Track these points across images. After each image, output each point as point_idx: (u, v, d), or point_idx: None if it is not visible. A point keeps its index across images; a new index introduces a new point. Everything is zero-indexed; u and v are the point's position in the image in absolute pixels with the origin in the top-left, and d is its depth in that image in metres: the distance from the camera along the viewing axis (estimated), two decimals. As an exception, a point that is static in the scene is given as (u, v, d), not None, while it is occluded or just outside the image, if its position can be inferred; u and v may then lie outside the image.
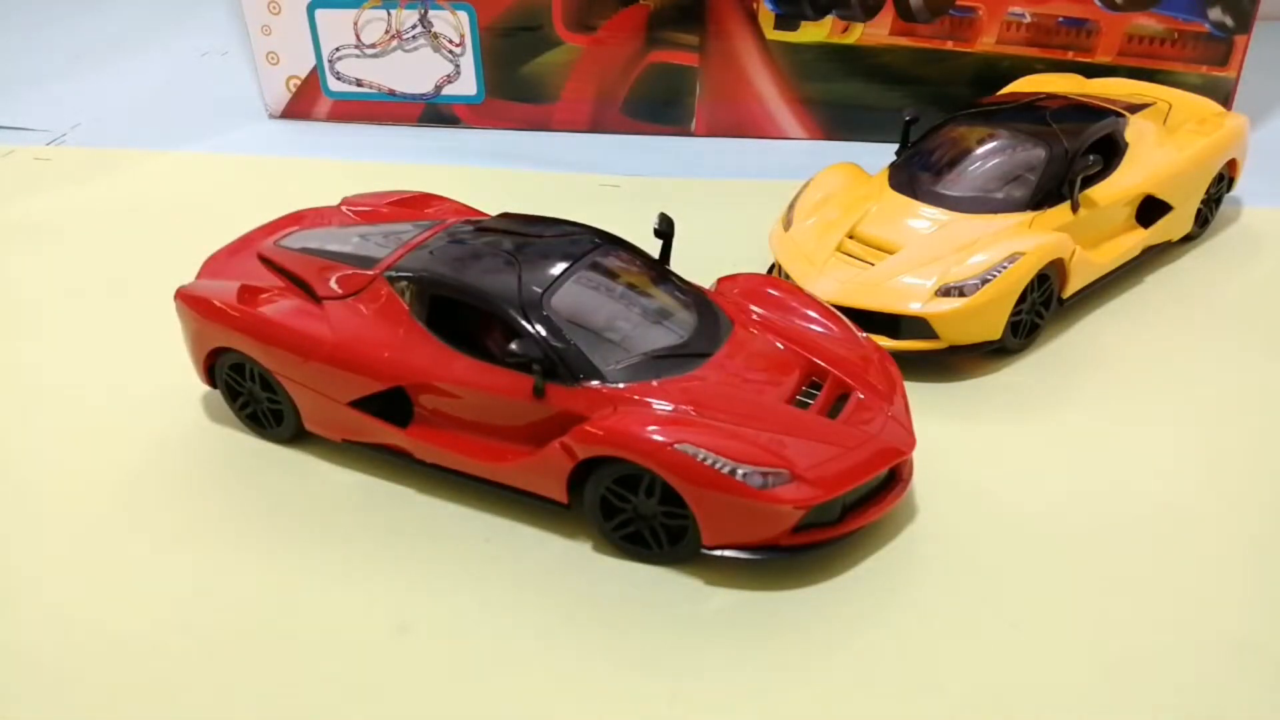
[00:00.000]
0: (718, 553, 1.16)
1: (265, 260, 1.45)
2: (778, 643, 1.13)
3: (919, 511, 1.28)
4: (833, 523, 1.17)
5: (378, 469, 1.36)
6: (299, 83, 2.35)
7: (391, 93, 2.33)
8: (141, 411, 1.48)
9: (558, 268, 1.26)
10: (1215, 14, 2.03)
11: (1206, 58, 2.08)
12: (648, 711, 1.06)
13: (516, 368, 1.21)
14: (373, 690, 1.09)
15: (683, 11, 2.17)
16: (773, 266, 1.66)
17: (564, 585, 1.20)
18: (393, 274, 1.32)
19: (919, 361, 1.50)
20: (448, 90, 2.31)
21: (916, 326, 1.47)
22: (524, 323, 1.21)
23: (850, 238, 1.57)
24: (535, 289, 1.23)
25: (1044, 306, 1.54)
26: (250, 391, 1.39)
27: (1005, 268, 1.45)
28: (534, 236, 1.33)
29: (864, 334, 1.35)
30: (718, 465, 1.12)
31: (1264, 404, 1.44)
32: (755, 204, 1.87)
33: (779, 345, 1.28)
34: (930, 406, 1.45)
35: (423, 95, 2.33)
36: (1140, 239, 1.66)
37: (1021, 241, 1.48)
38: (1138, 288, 1.69)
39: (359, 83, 2.33)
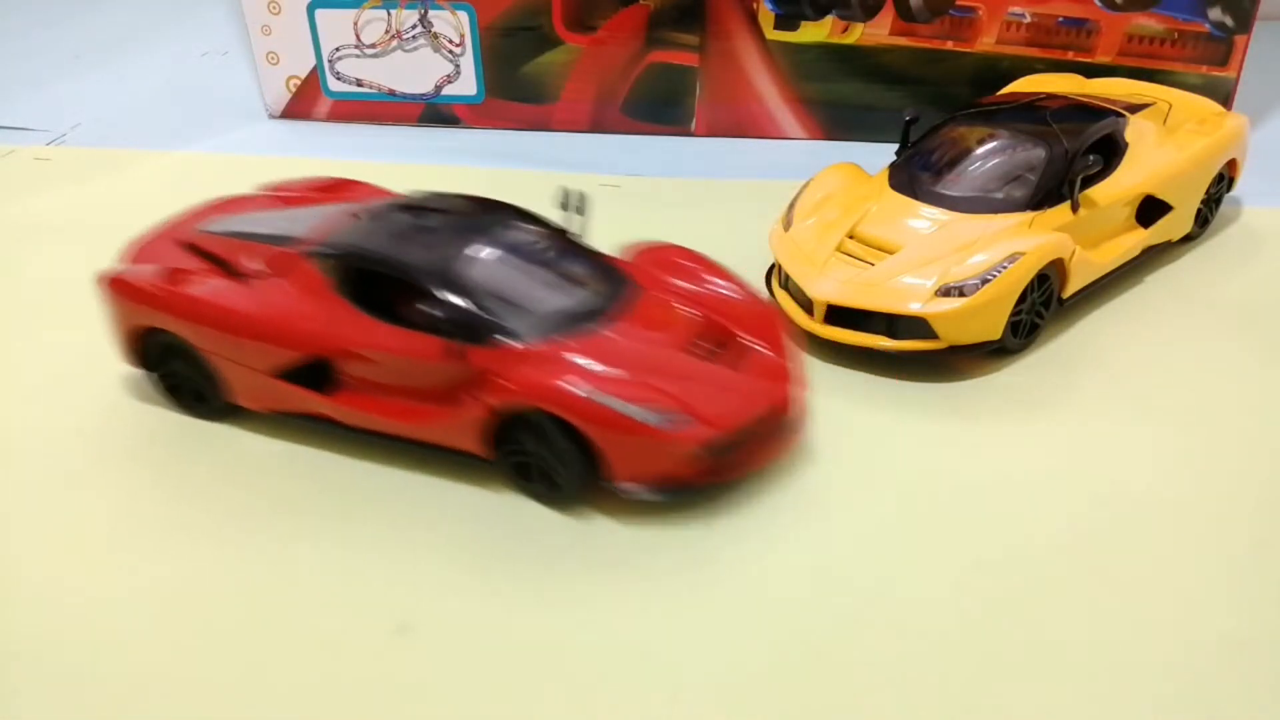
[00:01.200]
0: (630, 492, 1.24)
1: (190, 245, 1.49)
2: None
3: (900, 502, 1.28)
4: (733, 461, 1.26)
5: (376, 465, 1.37)
6: (299, 83, 2.36)
7: (391, 93, 2.33)
8: (141, 408, 1.48)
9: (470, 237, 1.34)
10: (1215, 14, 2.03)
11: (1206, 58, 2.08)
12: (647, 711, 1.06)
13: (433, 332, 1.28)
14: (373, 690, 1.09)
15: (683, 11, 2.17)
16: (773, 266, 1.67)
17: (564, 585, 1.20)
18: (313, 251, 1.38)
19: (919, 361, 1.50)
20: (448, 90, 2.31)
21: (916, 326, 1.47)
22: (439, 290, 1.28)
23: (850, 238, 1.57)
24: (448, 258, 1.31)
25: (1044, 306, 1.54)
26: (178, 369, 1.43)
27: (1005, 268, 1.45)
28: (446, 210, 1.41)
29: (761, 295, 1.43)
30: (625, 410, 1.20)
31: (1264, 404, 1.44)
32: (755, 204, 1.87)
33: (681, 305, 1.37)
34: (930, 406, 1.45)
35: (423, 95, 2.33)
36: (1140, 239, 1.66)
37: (1021, 241, 1.48)
38: (1138, 288, 1.69)
39: (359, 83, 2.33)
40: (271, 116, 2.41)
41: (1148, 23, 2.06)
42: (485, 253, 1.33)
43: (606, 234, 1.57)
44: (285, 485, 1.35)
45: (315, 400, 1.35)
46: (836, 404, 1.46)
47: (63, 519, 1.31)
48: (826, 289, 1.51)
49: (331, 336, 1.33)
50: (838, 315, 1.51)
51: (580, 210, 1.45)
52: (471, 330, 1.27)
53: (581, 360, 1.25)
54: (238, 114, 2.43)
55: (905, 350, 1.48)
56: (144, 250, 1.52)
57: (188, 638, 1.15)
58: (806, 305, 1.54)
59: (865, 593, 1.18)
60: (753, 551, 1.24)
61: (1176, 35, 2.06)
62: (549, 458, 1.26)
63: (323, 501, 1.33)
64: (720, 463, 1.26)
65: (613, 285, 1.37)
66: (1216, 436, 1.38)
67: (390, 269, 1.32)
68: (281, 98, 2.39)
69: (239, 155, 2.24)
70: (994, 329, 1.48)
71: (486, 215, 1.40)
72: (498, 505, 1.31)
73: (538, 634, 1.15)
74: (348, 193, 1.65)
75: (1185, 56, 2.08)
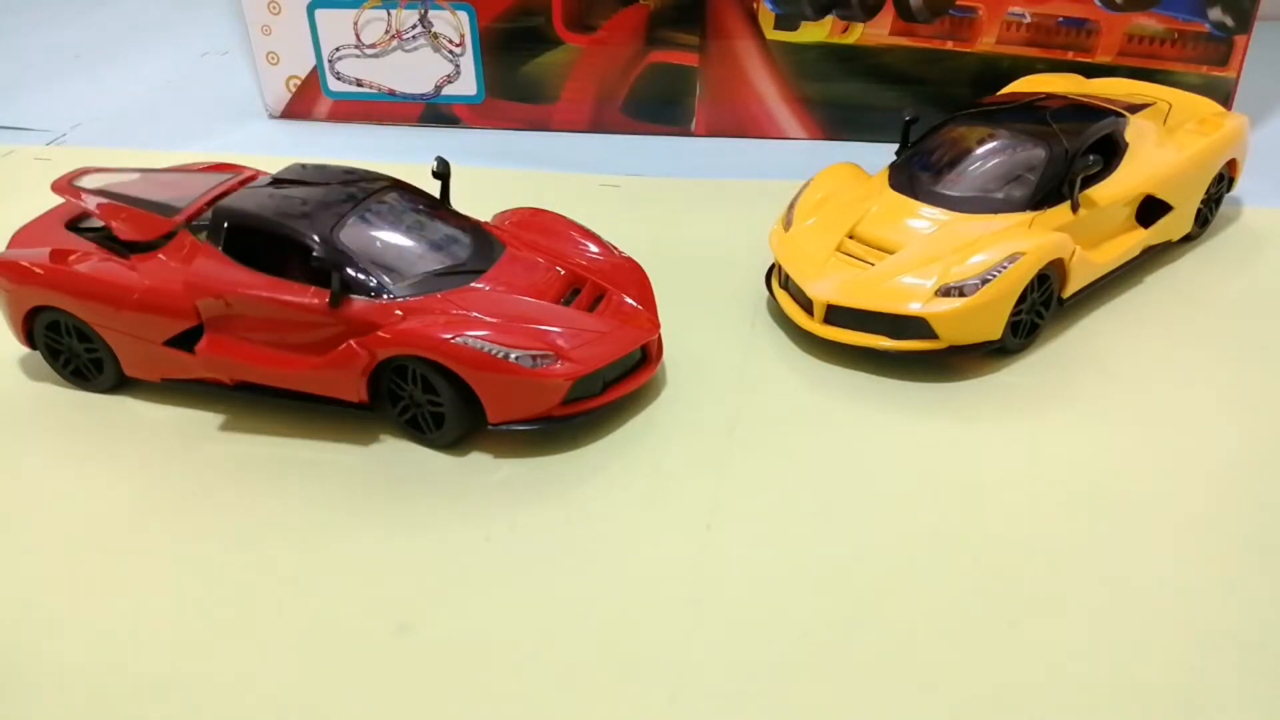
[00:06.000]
0: (503, 428, 1.35)
1: (71, 224, 1.57)
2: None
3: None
4: (596, 394, 1.39)
5: (369, 462, 1.37)
6: (299, 83, 2.36)
7: (391, 93, 2.33)
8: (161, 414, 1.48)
9: (348, 205, 1.44)
10: (1215, 14, 2.03)
11: (1206, 58, 2.08)
12: (647, 711, 1.06)
13: (317, 284, 1.36)
14: (372, 690, 1.09)
15: (683, 11, 2.17)
16: (773, 266, 1.67)
17: (563, 586, 1.20)
18: (197, 223, 1.47)
19: (919, 361, 1.50)
20: (448, 90, 2.31)
21: (916, 326, 1.47)
22: (319, 250, 1.35)
23: (850, 238, 1.57)
24: (328, 223, 1.40)
25: (1044, 306, 1.54)
26: (69, 346, 1.49)
27: (1005, 268, 1.45)
28: (327, 182, 1.49)
29: (619, 251, 1.54)
30: (494, 352, 1.31)
31: (1264, 404, 1.44)
32: (755, 204, 1.87)
33: (545, 260, 1.48)
34: (930, 406, 1.45)
35: (423, 95, 2.33)
36: (1140, 239, 1.66)
37: (1021, 241, 1.48)
38: (1138, 288, 1.69)
39: (359, 83, 2.33)
40: (271, 116, 2.41)
41: (1148, 23, 2.06)
42: (363, 216, 1.43)
43: (607, 234, 1.58)
44: (292, 490, 1.36)
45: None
46: (836, 404, 1.46)
47: (38, 512, 1.32)
48: (826, 289, 1.51)
49: (216, 294, 1.40)
50: (838, 315, 1.51)
51: (443, 176, 1.56)
52: (349, 287, 1.36)
53: (455, 311, 1.36)
54: (238, 114, 2.43)
55: (905, 350, 1.48)
56: (28, 237, 1.57)
57: (186, 638, 1.16)
58: (806, 305, 1.54)
59: (866, 591, 1.18)
60: (754, 551, 1.24)
61: (1176, 35, 2.06)
62: (425, 402, 1.35)
63: (328, 502, 1.33)
64: (585, 399, 1.38)
65: (483, 245, 1.48)
66: (1216, 436, 1.38)
67: (273, 231, 1.40)
68: (281, 98, 2.39)
69: (239, 155, 2.24)
70: (994, 329, 1.48)
71: (365, 184, 1.50)
72: (498, 513, 1.31)
73: (538, 633, 1.15)
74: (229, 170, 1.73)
75: (1185, 56, 2.08)
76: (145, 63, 2.76)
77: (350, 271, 1.36)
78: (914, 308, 1.46)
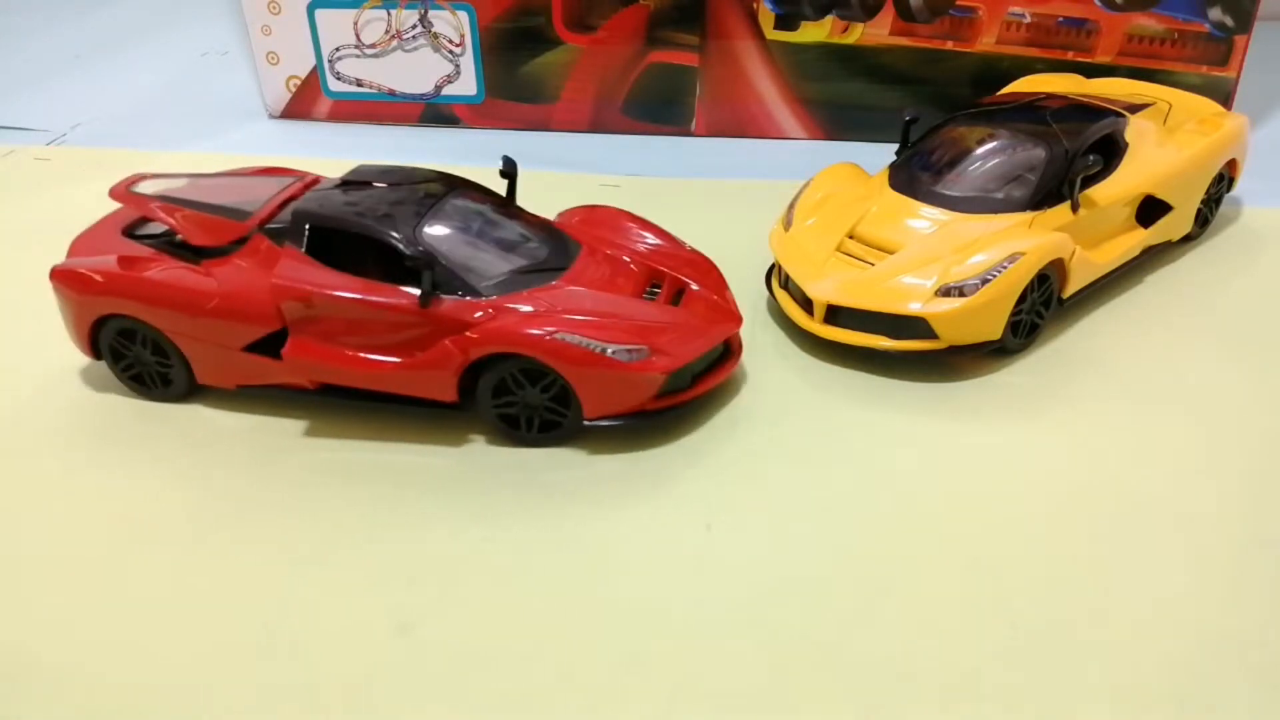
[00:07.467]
0: (600, 424, 1.36)
1: (129, 230, 1.54)
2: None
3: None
4: (685, 388, 1.39)
5: (369, 463, 1.37)
6: (299, 83, 2.36)
7: (391, 93, 2.33)
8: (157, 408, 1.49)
9: (426, 205, 1.43)
10: (1215, 14, 2.04)
11: (1206, 58, 2.08)
12: (647, 711, 1.06)
13: (405, 282, 1.35)
14: (373, 690, 1.09)
15: (683, 11, 2.17)
16: (773, 266, 1.67)
17: (563, 586, 1.20)
18: (272, 226, 1.45)
19: (919, 361, 1.50)
20: (448, 90, 2.31)
21: (916, 326, 1.47)
22: (409, 249, 1.34)
23: (850, 238, 1.57)
24: (411, 223, 1.39)
25: (1044, 306, 1.54)
26: (137, 355, 1.47)
27: (1005, 268, 1.45)
28: (398, 183, 1.49)
29: (689, 246, 1.56)
30: (590, 347, 1.32)
31: (1263, 404, 1.44)
32: (755, 204, 1.87)
33: (622, 257, 1.49)
34: (930, 406, 1.45)
35: (423, 95, 2.33)
36: (1140, 239, 1.67)
37: (1021, 241, 1.48)
38: (1138, 288, 1.69)
39: (359, 83, 2.33)
40: (271, 116, 2.41)
41: (1148, 23, 2.06)
42: (443, 220, 1.42)
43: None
44: (296, 486, 1.36)
45: (283, 369, 1.39)
46: (836, 404, 1.46)
47: (64, 515, 1.32)
48: (826, 289, 1.51)
49: (308, 300, 1.36)
50: (838, 315, 1.51)
51: (510, 175, 1.56)
52: (439, 287, 1.35)
53: (545, 308, 1.36)
54: (238, 114, 2.43)
55: (905, 350, 1.48)
56: (89, 244, 1.54)
57: (187, 637, 1.16)
58: (806, 305, 1.54)
59: (866, 591, 1.18)
60: (753, 551, 1.24)
61: (1176, 35, 2.06)
62: (542, 406, 1.36)
63: (327, 499, 1.33)
64: (675, 392, 1.38)
65: (559, 243, 1.48)
66: (1216, 436, 1.39)
67: (362, 231, 1.38)
68: (281, 98, 2.39)
69: (239, 155, 2.24)
70: (994, 329, 1.48)
71: (437, 185, 1.49)
72: (499, 515, 1.31)
73: (537, 635, 1.15)
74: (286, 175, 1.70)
75: (1185, 56, 2.08)
76: (145, 63, 2.76)
77: (439, 271, 1.35)
78: (914, 308, 1.46)
